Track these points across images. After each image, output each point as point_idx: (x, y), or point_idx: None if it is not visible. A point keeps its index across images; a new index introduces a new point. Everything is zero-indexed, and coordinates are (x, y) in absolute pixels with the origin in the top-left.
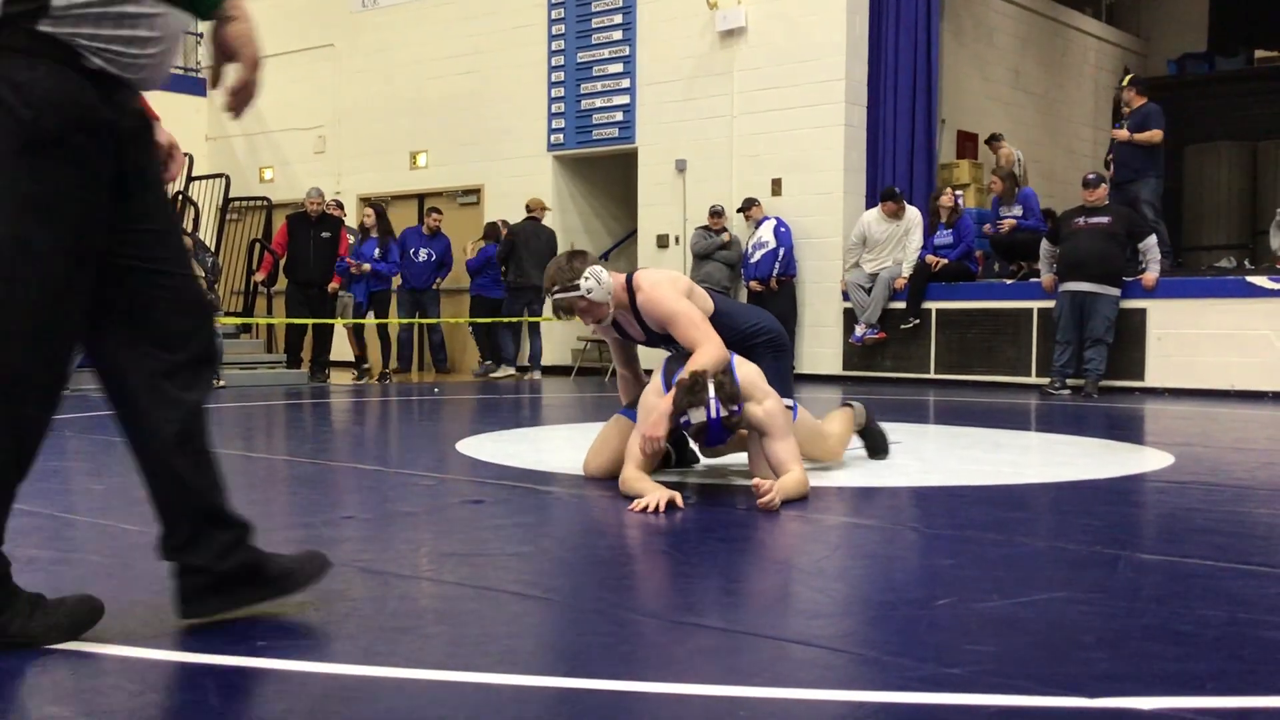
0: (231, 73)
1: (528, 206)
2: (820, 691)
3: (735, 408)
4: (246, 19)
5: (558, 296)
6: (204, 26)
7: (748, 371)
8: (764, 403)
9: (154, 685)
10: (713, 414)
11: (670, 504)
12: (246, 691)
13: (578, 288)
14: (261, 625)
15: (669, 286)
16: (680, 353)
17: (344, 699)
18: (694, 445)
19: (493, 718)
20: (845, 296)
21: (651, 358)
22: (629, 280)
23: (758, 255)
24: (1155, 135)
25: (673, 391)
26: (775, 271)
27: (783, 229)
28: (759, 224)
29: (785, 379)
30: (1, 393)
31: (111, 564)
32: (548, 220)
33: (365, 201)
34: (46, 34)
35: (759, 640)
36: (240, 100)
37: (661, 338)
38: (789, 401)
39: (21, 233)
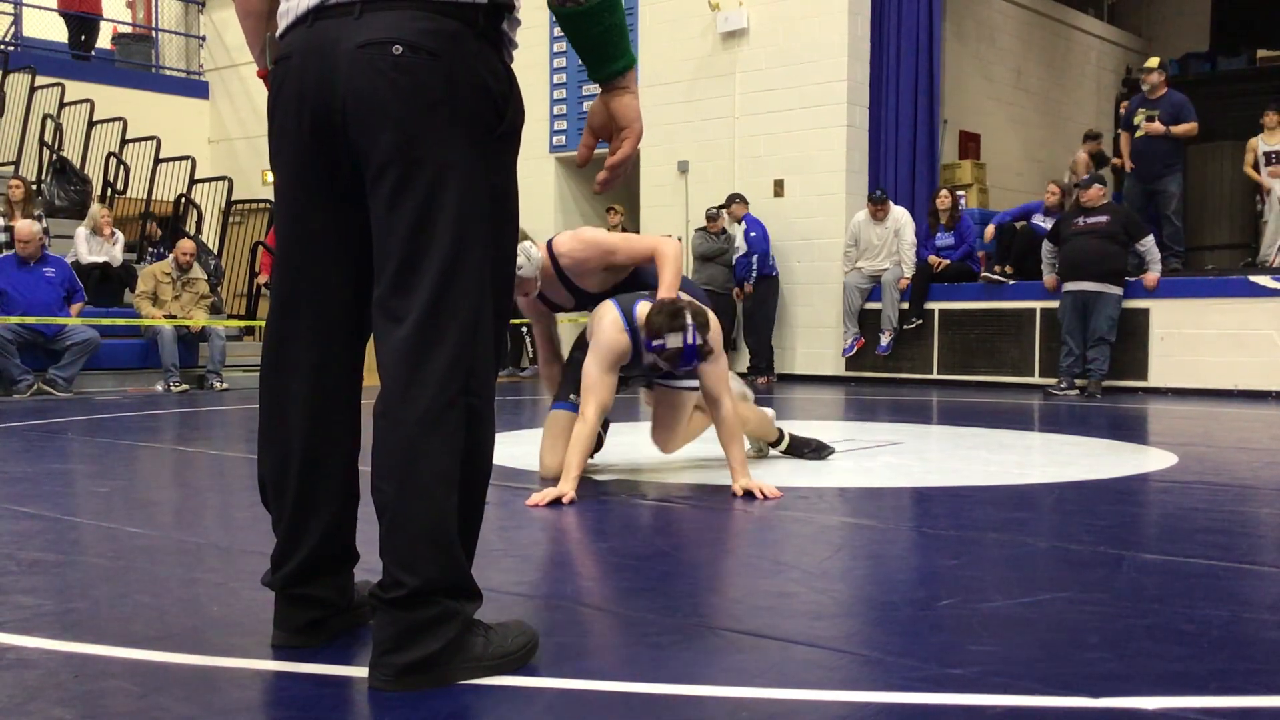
0: (621, 145)
1: None
2: (823, 692)
3: (707, 335)
4: (636, 93)
5: None
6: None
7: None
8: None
9: (157, 688)
10: (689, 340)
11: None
12: (248, 694)
13: None
14: (263, 629)
15: (590, 231)
16: (623, 294)
17: (344, 700)
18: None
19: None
20: None
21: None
22: (549, 248)
23: (733, 259)
24: (1193, 128)
25: (645, 319)
26: (747, 275)
27: (753, 233)
28: (742, 223)
29: None
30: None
31: (114, 567)
32: (550, 221)
33: None
34: (503, 29)
35: (762, 641)
36: (619, 174)
37: (592, 296)
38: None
39: (494, 222)
